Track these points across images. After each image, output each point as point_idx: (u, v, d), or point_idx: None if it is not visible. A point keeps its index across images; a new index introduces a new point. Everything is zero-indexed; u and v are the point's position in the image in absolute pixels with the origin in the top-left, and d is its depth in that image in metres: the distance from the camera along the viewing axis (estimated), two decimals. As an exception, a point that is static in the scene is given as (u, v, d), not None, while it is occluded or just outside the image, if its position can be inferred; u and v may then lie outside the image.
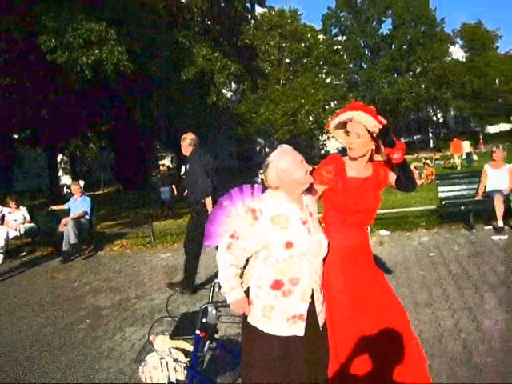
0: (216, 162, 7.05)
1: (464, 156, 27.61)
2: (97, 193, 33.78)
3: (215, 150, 59.34)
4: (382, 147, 2.91)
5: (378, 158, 3.02)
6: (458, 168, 25.30)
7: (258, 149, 66.85)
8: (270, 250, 2.64)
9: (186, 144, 6.73)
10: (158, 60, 12.78)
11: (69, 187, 17.76)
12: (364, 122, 2.86)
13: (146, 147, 32.36)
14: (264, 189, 2.87)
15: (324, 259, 2.81)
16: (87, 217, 10.46)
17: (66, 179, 52.07)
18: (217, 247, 2.83)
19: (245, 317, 2.73)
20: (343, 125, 3.01)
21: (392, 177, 3.03)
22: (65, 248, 9.84)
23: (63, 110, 18.36)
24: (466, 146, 27.96)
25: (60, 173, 46.86)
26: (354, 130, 2.91)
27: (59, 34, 10.10)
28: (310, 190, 2.83)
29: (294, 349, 2.64)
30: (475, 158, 27.53)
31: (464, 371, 3.74)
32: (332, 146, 59.65)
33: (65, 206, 10.76)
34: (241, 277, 2.77)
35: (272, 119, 48.06)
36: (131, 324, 5.75)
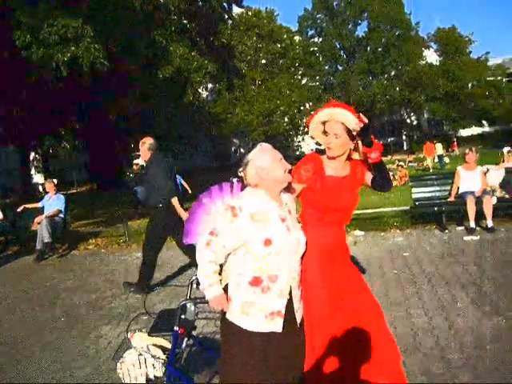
0: (175, 163, 7.06)
1: (436, 159, 28.10)
2: (70, 192, 33.39)
3: (191, 150, 59.26)
4: (360, 146, 2.96)
5: (355, 156, 3.07)
6: (431, 170, 25.75)
7: (233, 149, 66.82)
8: (249, 247, 2.66)
9: (144, 148, 6.72)
10: (135, 58, 12.72)
11: (43, 186, 17.53)
12: (344, 119, 2.90)
13: (120, 146, 32.09)
14: (243, 186, 2.89)
15: (302, 257, 2.84)
16: (61, 215, 10.36)
17: (38, 178, 51.31)
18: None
19: (223, 313, 2.75)
20: (322, 125, 3.06)
21: (368, 176, 3.08)
22: (38, 246, 9.73)
23: (36, 107, 18.10)
24: (439, 148, 28.57)
25: (32, 171, 46.17)
26: (332, 130, 2.96)
27: (34, 30, 9.99)
28: (288, 188, 2.87)
29: (273, 345, 2.67)
30: (447, 160, 27.99)
31: (437, 367, 3.82)
32: (307, 147, 59.73)
33: (39, 205, 10.62)
34: (220, 273, 2.79)
35: (247, 119, 48.08)
36: (107, 322, 5.72)
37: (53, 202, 10.38)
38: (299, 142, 57.42)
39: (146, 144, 6.68)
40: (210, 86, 37.55)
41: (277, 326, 2.68)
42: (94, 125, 24.48)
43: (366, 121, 2.85)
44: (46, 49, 10.18)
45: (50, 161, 48.85)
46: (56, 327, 5.74)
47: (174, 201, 6.47)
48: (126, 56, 12.50)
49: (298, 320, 2.81)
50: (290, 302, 2.73)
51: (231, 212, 2.66)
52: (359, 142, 2.96)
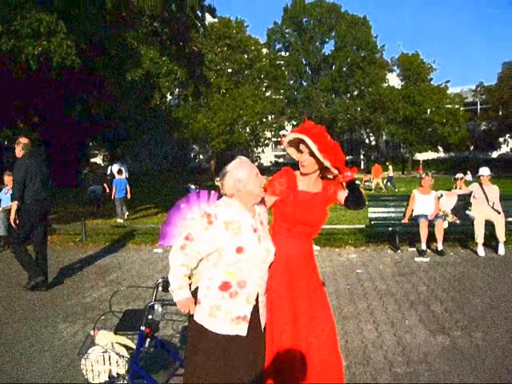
0: (45, 167, 7.38)
1: (383, 181, 29.07)
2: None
3: (151, 152, 58.88)
4: (332, 170, 3.15)
5: (329, 175, 3.28)
6: (372, 191, 26.66)
7: (192, 155, 66.75)
8: (221, 254, 2.80)
9: (19, 148, 7.09)
10: (104, 57, 12.65)
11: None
12: (312, 148, 3.09)
13: (79, 143, 31.60)
14: (219, 196, 3.04)
15: (270, 266, 3.00)
16: (18, 209, 10.21)
17: (-10, 169, 49.94)
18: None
19: (192, 315, 2.87)
20: (297, 142, 3.23)
21: (341, 195, 3.27)
22: (-7, 240, 9.61)
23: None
24: (390, 169, 29.76)
25: (-16, 162, 44.93)
26: (306, 149, 3.14)
27: (6, 20, 9.87)
28: (261, 200, 3.02)
29: (237, 347, 2.81)
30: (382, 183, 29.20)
31: (384, 379, 4.02)
32: (266, 159, 60.35)
33: (-5, 197, 10.46)
34: (189, 277, 2.91)
35: (209, 127, 48.18)
36: (62, 320, 5.72)
37: (11, 196, 10.21)
38: (259, 153, 57.81)
39: (21, 144, 7.08)
40: (175, 90, 37.57)
41: (242, 329, 2.83)
42: (55, 120, 24.03)
43: (352, 177, 3.17)
44: (17, 41, 10.08)
45: (4, 153, 47.69)
46: (9, 322, 5.70)
47: (13, 203, 6.85)
48: (96, 55, 12.45)
49: (262, 325, 2.97)
50: (255, 308, 2.89)
51: (207, 219, 2.80)
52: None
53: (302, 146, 3.16)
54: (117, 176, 15.54)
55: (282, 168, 3.35)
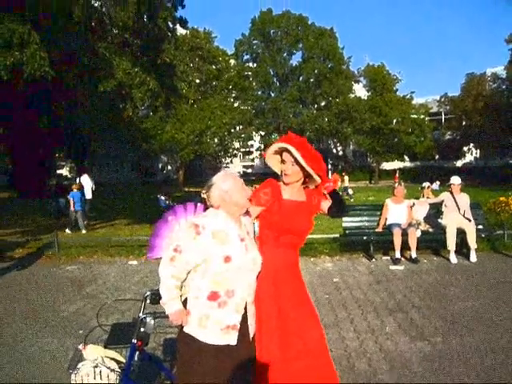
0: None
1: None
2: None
3: (118, 163, 58.35)
4: (314, 177, 3.21)
5: (311, 185, 3.34)
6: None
7: (160, 166, 66.38)
8: (209, 263, 2.82)
9: None
10: (76, 68, 12.52)
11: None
12: (296, 155, 3.15)
13: (45, 155, 31.12)
14: (205, 207, 3.07)
15: (257, 275, 3.03)
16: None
17: (-48, 181, 48.81)
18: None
19: (181, 326, 2.88)
20: (279, 153, 3.28)
21: (324, 205, 3.34)
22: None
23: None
24: (346, 180, 30.86)
25: None
26: (289, 158, 3.19)
27: (-23, 31, 9.69)
28: (246, 211, 3.07)
29: (227, 357, 2.81)
30: (351, 192, 29.68)
31: (370, 387, 4.08)
32: (234, 169, 60.40)
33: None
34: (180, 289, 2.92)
35: (178, 137, 47.99)
36: (40, 334, 5.63)
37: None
38: (227, 163, 57.84)
39: None
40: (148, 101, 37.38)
41: (231, 339, 2.84)
42: (21, 132, 23.65)
43: (335, 187, 3.28)
44: (-11, 51, 9.91)
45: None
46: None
47: None
48: (68, 65, 12.32)
49: (251, 334, 2.98)
50: (244, 317, 2.90)
51: (195, 230, 2.82)
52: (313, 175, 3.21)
53: (285, 156, 3.21)
54: (74, 189, 15.46)
55: (266, 180, 3.38)
